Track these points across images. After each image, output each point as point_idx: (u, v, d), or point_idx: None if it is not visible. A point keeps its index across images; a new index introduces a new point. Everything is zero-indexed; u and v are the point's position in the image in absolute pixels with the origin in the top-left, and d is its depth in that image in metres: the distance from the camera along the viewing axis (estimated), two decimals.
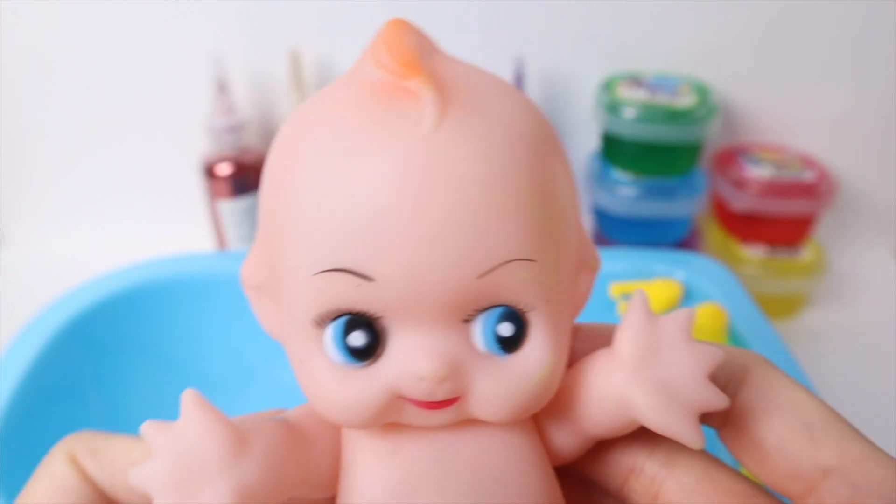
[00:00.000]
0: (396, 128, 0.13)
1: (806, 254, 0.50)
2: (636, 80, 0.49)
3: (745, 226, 0.51)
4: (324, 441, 0.16)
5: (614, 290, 0.39)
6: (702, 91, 0.48)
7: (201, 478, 0.14)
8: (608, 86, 0.49)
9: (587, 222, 0.54)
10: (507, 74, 0.47)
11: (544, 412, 0.16)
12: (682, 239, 0.51)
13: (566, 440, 0.16)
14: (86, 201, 0.58)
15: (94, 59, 0.52)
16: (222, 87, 0.47)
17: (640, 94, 0.47)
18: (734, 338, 0.36)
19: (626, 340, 0.15)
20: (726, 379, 0.16)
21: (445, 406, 0.15)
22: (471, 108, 0.14)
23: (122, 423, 0.36)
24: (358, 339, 0.14)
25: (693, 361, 0.15)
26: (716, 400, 0.14)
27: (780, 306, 0.50)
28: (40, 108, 0.54)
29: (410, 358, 0.14)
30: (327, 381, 0.15)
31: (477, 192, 0.13)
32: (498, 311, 0.15)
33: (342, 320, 0.14)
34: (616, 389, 0.15)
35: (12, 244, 0.61)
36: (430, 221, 0.13)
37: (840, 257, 0.57)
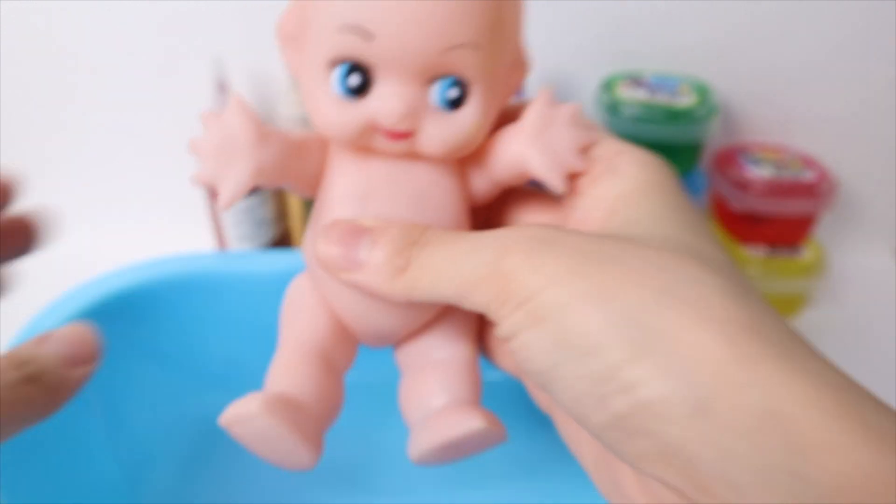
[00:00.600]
0: None
1: (806, 254, 0.51)
2: (636, 80, 0.49)
3: (745, 226, 0.51)
4: (316, 153, 0.23)
5: None
6: (702, 91, 0.48)
7: (233, 154, 0.21)
8: (608, 86, 0.49)
9: None
10: None
11: (468, 160, 0.23)
12: None
13: (480, 184, 0.24)
14: (86, 201, 0.58)
15: (94, 59, 0.52)
16: (223, 88, 0.47)
17: (640, 94, 0.47)
18: None
19: (529, 117, 0.22)
20: (598, 159, 0.22)
21: (403, 138, 0.21)
22: None
23: (124, 421, 0.36)
24: (354, 80, 0.21)
25: (573, 136, 0.22)
26: (579, 166, 0.22)
27: (780, 306, 0.50)
28: (41, 107, 0.54)
29: (386, 98, 0.21)
30: (329, 107, 0.21)
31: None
32: (450, 79, 0.21)
33: (346, 65, 0.21)
34: (518, 148, 0.22)
35: None
36: (419, 10, 0.20)
37: (840, 257, 0.57)
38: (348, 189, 0.23)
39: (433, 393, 0.24)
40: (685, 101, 0.46)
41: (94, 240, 0.59)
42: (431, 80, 0.21)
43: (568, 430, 0.24)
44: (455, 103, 0.22)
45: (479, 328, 0.25)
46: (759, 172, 0.49)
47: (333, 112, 0.21)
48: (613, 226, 0.20)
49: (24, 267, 0.60)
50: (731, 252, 0.51)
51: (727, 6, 0.49)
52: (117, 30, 0.51)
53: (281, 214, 0.53)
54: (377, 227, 0.21)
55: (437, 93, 0.21)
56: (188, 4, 0.49)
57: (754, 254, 0.50)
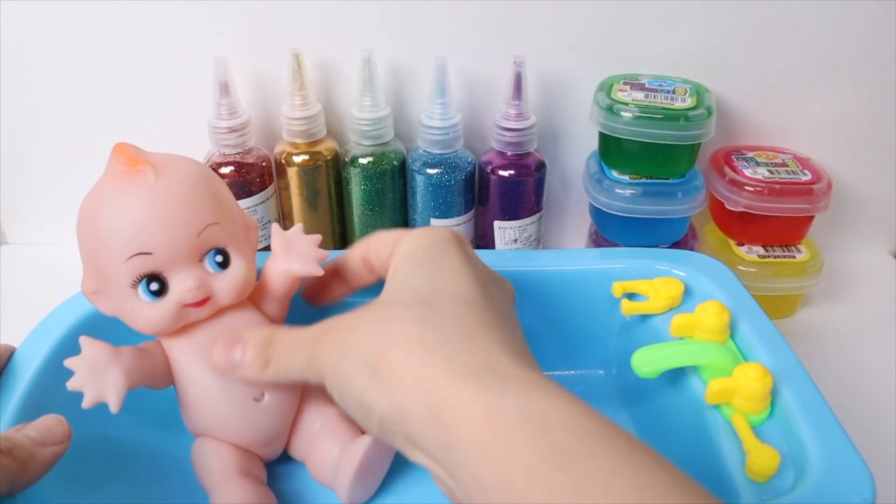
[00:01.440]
0: (140, 183, 0.29)
1: (802, 253, 0.51)
2: (634, 82, 0.49)
3: (742, 226, 0.51)
4: (158, 351, 0.32)
5: (616, 288, 0.40)
6: (698, 93, 0.48)
7: (103, 370, 0.29)
8: (606, 87, 0.49)
9: (586, 222, 0.55)
10: (506, 75, 0.47)
11: (255, 295, 0.34)
12: (679, 239, 0.51)
13: (271, 306, 0.35)
14: None
15: (96, 59, 0.52)
16: (225, 89, 0.47)
17: (637, 96, 0.47)
18: (737, 335, 0.36)
19: (273, 246, 0.34)
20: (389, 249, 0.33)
21: (205, 303, 0.31)
22: (168, 169, 0.30)
23: (136, 420, 0.36)
24: (154, 285, 0.30)
25: (307, 240, 0.34)
26: (322, 255, 0.34)
27: (776, 306, 0.51)
28: (41, 107, 0.54)
29: (182, 283, 0.30)
30: (145, 312, 0.31)
31: (183, 201, 0.30)
32: (213, 251, 0.31)
33: (144, 280, 0.30)
34: (279, 266, 0.34)
35: (12, 244, 0.61)
36: (168, 220, 0.29)
37: (836, 257, 0.58)
38: (189, 355, 0.32)
39: (328, 450, 0.33)
40: (682, 102, 0.47)
41: None
42: (201, 257, 0.31)
43: None
44: (223, 264, 0.32)
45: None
46: (755, 173, 0.49)
47: (153, 313, 0.30)
48: (388, 286, 0.30)
49: (24, 267, 0.60)
50: (727, 252, 0.51)
51: (724, 10, 0.49)
52: (119, 30, 0.51)
53: (280, 215, 0.53)
54: (245, 336, 0.30)
55: (209, 263, 0.31)
56: (189, 4, 0.50)
57: (750, 254, 0.51)
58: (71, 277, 0.39)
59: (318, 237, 0.34)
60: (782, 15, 0.50)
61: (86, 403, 0.29)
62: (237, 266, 0.32)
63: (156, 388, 0.32)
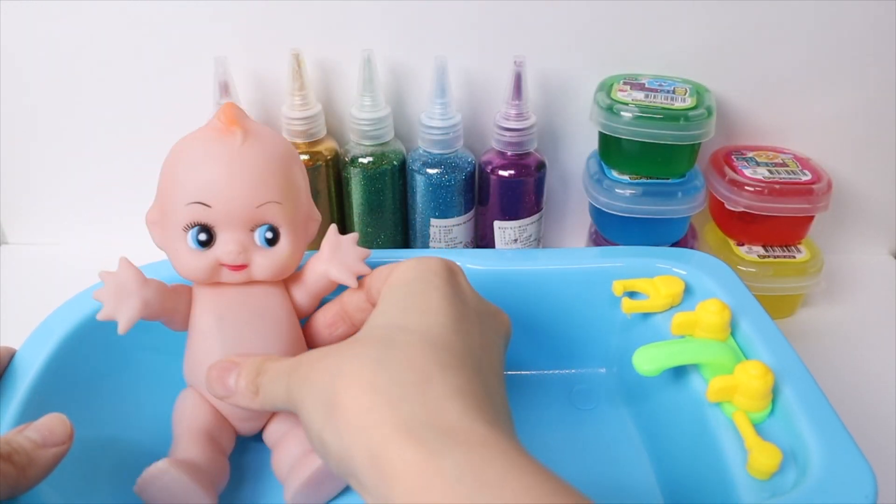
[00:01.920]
0: (226, 142, 0.32)
1: (802, 253, 0.51)
2: (634, 82, 0.49)
3: (742, 226, 0.51)
4: (184, 294, 0.34)
5: (617, 287, 0.40)
6: (699, 92, 0.48)
7: (125, 294, 0.32)
8: (606, 87, 0.49)
9: (586, 222, 0.55)
10: (506, 75, 0.47)
11: (290, 282, 0.36)
12: (679, 239, 0.51)
13: (301, 297, 0.36)
14: (87, 201, 0.58)
15: (96, 59, 0.52)
16: (225, 88, 0.47)
17: (637, 96, 0.47)
18: (738, 333, 0.36)
19: (323, 246, 0.35)
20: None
21: (241, 269, 0.33)
22: (257, 138, 0.33)
23: (138, 419, 0.37)
24: (202, 236, 0.33)
25: (356, 252, 0.35)
26: (364, 270, 0.35)
27: (776, 306, 0.51)
28: (42, 107, 0.54)
29: (226, 243, 0.33)
30: (187, 257, 0.33)
31: (256, 170, 0.32)
32: (266, 226, 0.33)
33: (196, 228, 0.32)
34: (322, 266, 0.35)
35: (12, 244, 0.61)
36: (234, 182, 0.32)
37: (836, 257, 0.58)
38: (209, 309, 0.34)
39: (292, 449, 0.34)
40: (682, 102, 0.47)
41: (95, 240, 0.60)
42: (254, 227, 0.33)
43: None
44: (272, 242, 0.33)
45: None
46: (755, 174, 0.49)
47: (192, 260, 0.33)
48: (367, 321, 0.30)
49: (24, 267, 0.60)
50: (727, 252, 0.51)
51: (725, 10, 0.50)
52: (118, 30, 0.51)
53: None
54: (240, 362, 0.30)
55: (258, 236, 0.33)
56: (189, 4, 0.50)
57: (750, 254, 0.51)
58: (71, 277, 0.39)
59: (366, 252, 0.35)
60: (783, 14, 0.50)
61: (99, 316, 0.31)
62: (283, 248, 0.34)
63: (172, 326, 0.35)
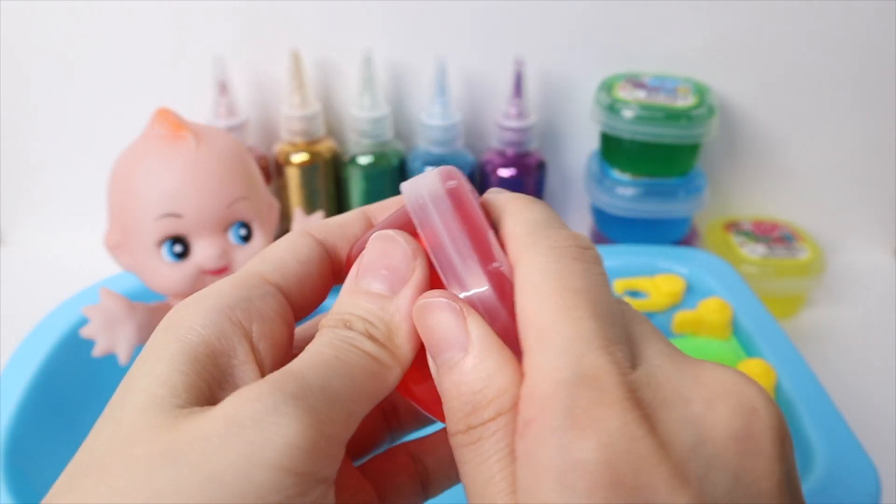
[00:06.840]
0: (181, 149, 0.32)
1: (804, 254, 0.51)
2: (635, 81, 0.49)
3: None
4: (166, 313, 0.32)
5: (618, 286, 0.39)
6: (700, 91, 0.48)
7: (116, 324, 0.31)
8: (607, 86, 0.49)
9: (587, 222, 0.55)
10: (507, 74, 0.47)
11: None
12: (680, 239, 0.51)
13: None
14: (86, 201, 0.58)
15: (96, 59, 0.52)
16: (223, 88, 0.47)
17: (639, 95, 0.47)
18: (739, 331, 0.36)
19: (295, 229, 0.31)
20: None
21: (223, 272, 0.32)
22: (208, 139, 0.33)
23: None
24: (178, 248, 0.31)
25: None
26: None
27: (779, 306, 0.50)
28: (41, 107, 0.54)
29: (205, 250, 0.32)
30: (165, 272, 0.32)
31: (219, 169, 0.32)
32: (238, 224, 0.33)
33: (170, 241, 0.31)
34: None
35: (12, 244, 0.61)
36: (203, 186, 0.31)
37: (837, 257, 0.57)
38: None
39: None
40: (684, 101, 0.46)
41: (95, 240, 0.59)
42: (226, 228, 0.33)
43: None
44: (246, 238, 0.33)
45: None
46: (752, 251, 0.49)
47: (171, 274, 0.32)
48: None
49: (24, 267, 0.60)
50: (729, 252, 0.51)
51: (726, 9, 0.49)
52: (118, 30, 0.51)
53: (281, 216, 0.53)
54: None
55: (233, 235, 0.33)
56: (188, 4, 0.50)
57: (753, 254, 0.50)
58: (70, 278, 0.39)
59: None
60: (784, 13, 0.49)
61: (96, 352, 0.30)
62: (258, 242, 0.33)
63: None
